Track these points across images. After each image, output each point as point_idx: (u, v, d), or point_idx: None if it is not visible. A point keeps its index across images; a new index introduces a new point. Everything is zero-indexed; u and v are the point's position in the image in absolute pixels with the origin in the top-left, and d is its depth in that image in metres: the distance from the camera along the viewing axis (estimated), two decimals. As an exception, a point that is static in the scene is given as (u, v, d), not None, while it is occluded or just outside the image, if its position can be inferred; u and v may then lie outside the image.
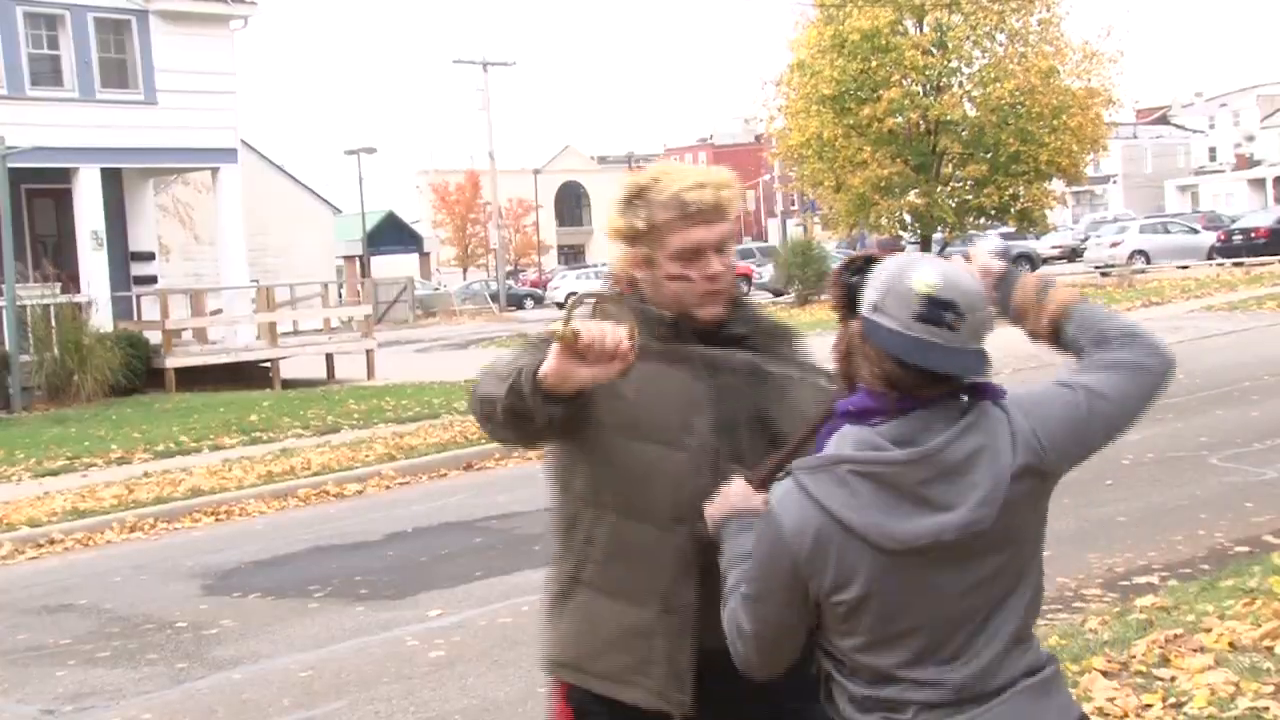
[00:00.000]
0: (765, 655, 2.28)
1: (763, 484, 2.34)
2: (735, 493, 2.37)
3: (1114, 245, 40.15)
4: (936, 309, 2.15)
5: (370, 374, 23.66)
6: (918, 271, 2.17)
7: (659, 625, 2.48)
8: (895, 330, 2.14)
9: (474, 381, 2.56)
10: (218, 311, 25.23)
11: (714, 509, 2.39)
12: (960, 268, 2.28)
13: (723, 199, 2.50)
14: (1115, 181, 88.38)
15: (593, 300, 2.49)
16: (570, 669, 2.60)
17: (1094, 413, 2.28)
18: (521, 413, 2.34)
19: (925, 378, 2.15)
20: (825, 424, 2.28)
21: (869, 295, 2.19)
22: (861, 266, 2.26)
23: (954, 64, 33.00)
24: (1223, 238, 38.94)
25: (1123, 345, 2.35)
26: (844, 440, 2.19)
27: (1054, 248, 49.36)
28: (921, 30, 32.68)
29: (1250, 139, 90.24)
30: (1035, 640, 2.30)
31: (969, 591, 2.19)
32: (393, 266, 64.41)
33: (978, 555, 2.18)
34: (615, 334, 2.25)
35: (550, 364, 2.26)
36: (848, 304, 2.26)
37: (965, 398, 2.21)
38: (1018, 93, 31.52)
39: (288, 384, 23.36)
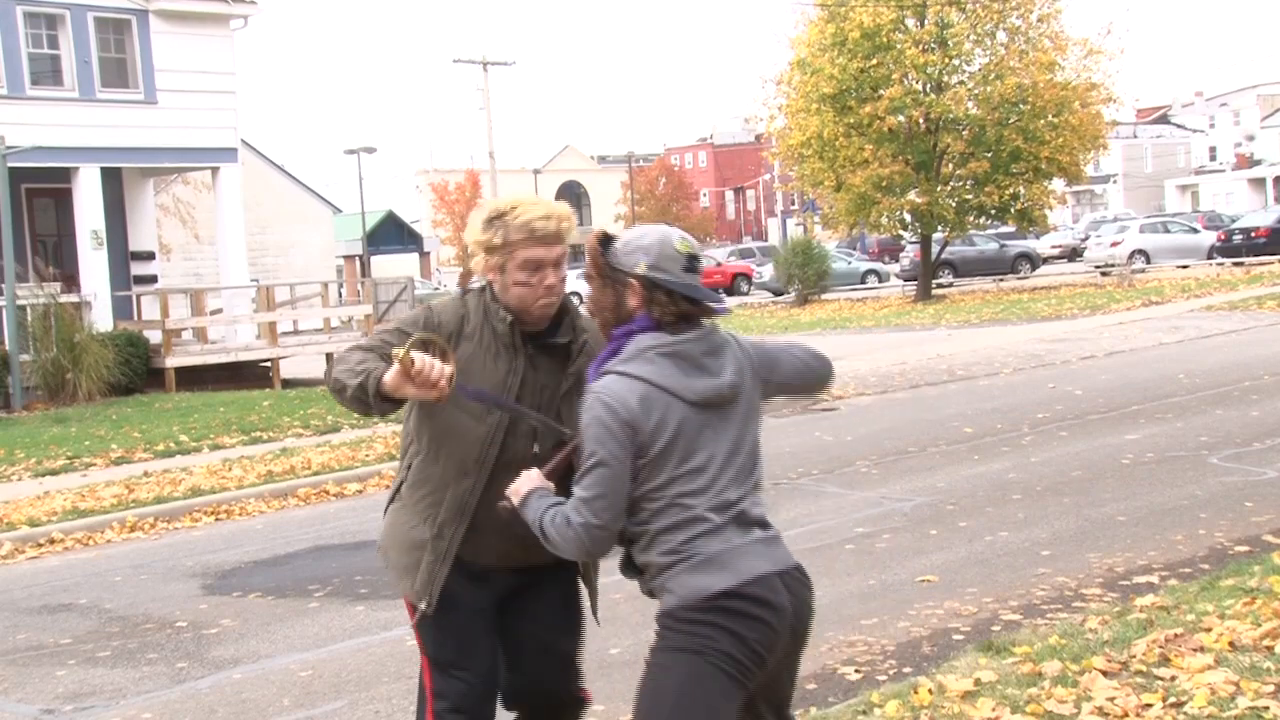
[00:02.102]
0: (598, 541, 3.11)
1: (550, 475, 3.25)
2: (532, 477, 3.26)
3: (1114, 245, 40.18)
4: (693, 262, 3.20)
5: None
6: (674, 238, 3.19)
7: (430, 545, 3.47)
8: (676, 280, 3.14)
9: (337, 359, 3.39)
10: (218, 311, 25.24)
11: (516, 487, 3.24)
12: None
13: (562, 228, 3.40)
14: (1115, 181, 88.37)
15: (431, 340, 3.24)
16: (382, 553, 3.65)
17: (781, 358, 3.42)
18: (364, 401, 3.23)
19: (697, 307, 3.18)
20: (610, 342, 3.18)
21: (643, 259, 3.14)
22: (606, 240, 3.21)
23: (955, 62, 32.97)
24: (1223, 237, 38.96)
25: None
26: (643, 340, 3.14)
27: (1054, 247, 49.39)
28: (923, 27, 32.64)
29: (1250, 138, 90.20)
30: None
31: (735, 438, 3.23)
32: (393, 266, 64.41)
33: (737, 410, 3.24)
34: (440, 371, 3.12)
35: (388, 379, 3.13)
36: (604, 267, 3.19)
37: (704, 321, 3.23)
38: (1019, 89, 31.50)
39: (288, 383, 23.36)
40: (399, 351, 3.06)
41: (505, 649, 3.65)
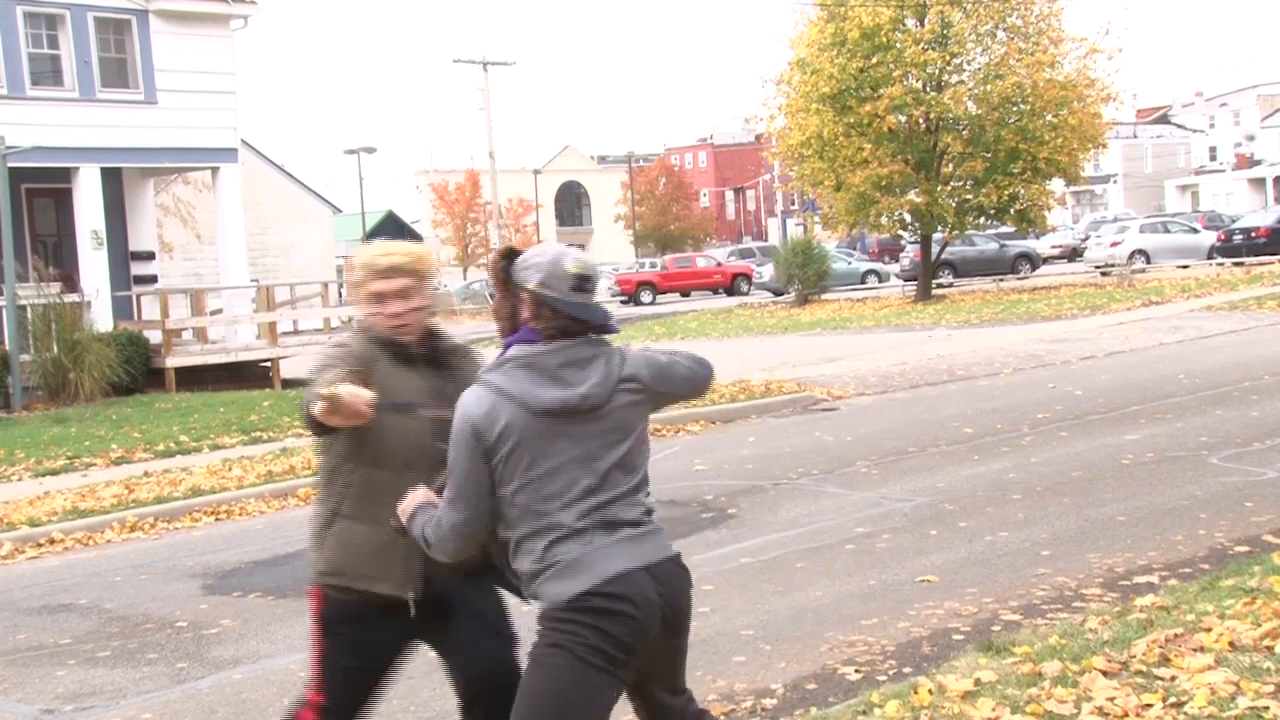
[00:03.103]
0: (463, 538, 3.43)
1: (438, 492, 3.56)
2: (418, 496, 3.58)
3: (1114, 245, 40.17)
4: (583, 282, 3.38)
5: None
6: (566, 260, 3.40)
7: (398, 541, 3.67)
8: (562, 299, 3.36)
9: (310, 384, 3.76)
10: (218, 311, 25.25)
11: (404, 506, 3.57)
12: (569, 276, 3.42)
13: (397, 264, 3.84)
14: (1115, 181, 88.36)
15: (352, 371, 3.65)
16: (334, 575, 3.83)
17: (673, 368, 3.59)
18: (312, 426, 3.71)
19: (581, 325, 3.39)
20: (505, 345, 3.45)
21: (535, 276, 3.37)
22: (509, 255, 3.48)
23: (955, 61, 32.96)
24: (1223, 237, 38.95)
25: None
26: (510, 352, 3.41)
27: (1054, 247, 49.38)
28: (923, 26, 32.62)
29: (1250, 139, 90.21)
30: (649, 513, 3.49)
31: (590, 448, 3.38)
32: (393, 266, 64.12)
33: (595, 423, 3.40)
34: (362, 399, 3.53)
35: (318, 411, 3.54)
36: (504, 280, 3.45)
37: (593, 335, 3.45)
38: (1018, 89, 31.48)
39: (288, 383, 23.34)
40: (325, 392, 3.50)
41: (452, 643, 3.92)
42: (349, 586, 3.80)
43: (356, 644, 3.85)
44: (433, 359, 3.92)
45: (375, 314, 3.87)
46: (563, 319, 3.38)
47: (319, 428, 3.67)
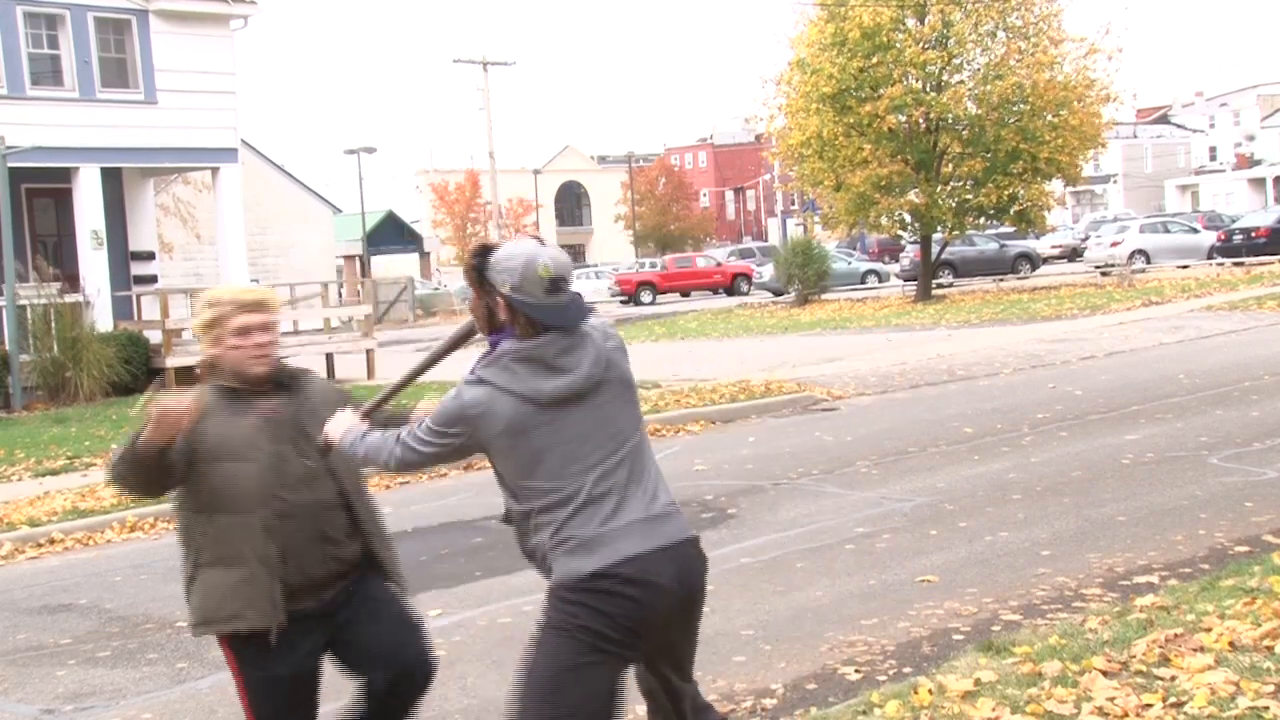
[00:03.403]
0: (406, 470, 3.69)
1: (365, 415, 3.89)
2: (346, 417, 3.87)
3: (1114, 245, 40.17)
4: (557, 284, 3.41)
5: (370, 374, 23.65)
6: (539, 261, 3.40)
7: (256, 574, 3.90)
8: (536, 303, 3.40)
9: (109, 465, 4.01)
10: (218, 311, 25.19)
11: (332, 428, 3.85)
12: (527, 268, 3.43)
13: (262, 299, 4.10)
14: (1115, 181, 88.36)
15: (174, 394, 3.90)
16: (204, 625, 4.02)
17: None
18: (139, 467, 3.85)
19: (553, 329, 3.44)
20: (489, 347, 3.54)
21: (510, 280, 3.41)
22: (483, 252, 3.51)
23: (956, 61, 32.95)
24: (1223, 237, 38.94)
25: None
26: (503, 347, 3.45)
27: (1054, 247, 49.39)
28: (924, 25, 32.61)
29: (1250, 139, 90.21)
30: (668, 496, 3.57)
31: (602, 423, 3.47)
32: (392, 266, 64.40)
33: (603, 396, 3.48)
34: (181, 402, 3.78)
35: (144, 431, 3.76)
36: (479, 279, 3.50)
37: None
38: (1018, 89, 31.48)
39: (288, 384, 23.32)
40: (144, 400, 3.88)
41: (361, 641, 4.10)
42: (221, 632, 3.99)
43: (276, 676, 4.01)
44: (280, 386, 4.13)
45: (236, 347, 4.02)
46: (537, 325, 3.44)
47: (141, 456, 3.81)
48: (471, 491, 11.17)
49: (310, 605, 3.99)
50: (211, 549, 3.97)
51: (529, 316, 3.42)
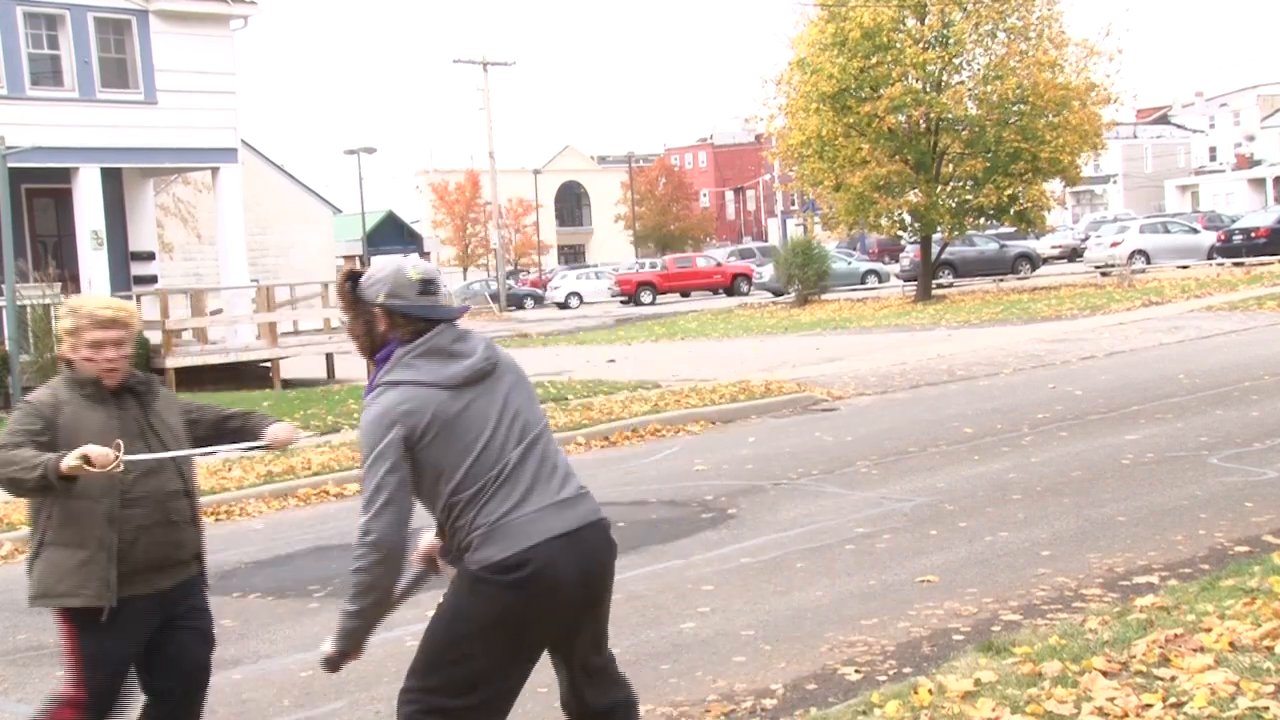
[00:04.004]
0: (396, 526, 3.54)
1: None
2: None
3: (1114, 245, 40.17)
4: (428, 285, 3.66)
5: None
6: (406, 268, 3.68)
7: (95, 557, 4.25)
8: (410, 304, 3.63)
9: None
10: (218, 311, 25.22)
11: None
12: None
13: (117, 316, 4.36)
14: (1115, 181, 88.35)
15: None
16: (42, 598, 4.35)
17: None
18: (47, 487, 4.13)
19: (434, 325, 3.63)
20: (376, 368, 3.66)
21: (381, 289, 3.63)
22: (352, 277, 3.73)
23: (956, 61, 32.94)
24: (1223, 237, 38.93)
25: None
26: (399, 351, 3.61)
27: (1054, 247, 49.39)
28: (924, 24, 32.60)
29: (1250, 139, 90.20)
30: (578, 483, 3.73)
31: (503, 403, 3.64)
32: (393, 266, 63.91)
33: (501, 378, 3.68)
34: (107, 455, 4.04)
35: (66, 466, 4.04)
36: (353, 300, 3.70)
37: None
38: (1019, 89, 31.47)
39: (288, 384, 23.36)
40: (73, 462, 4.03)
41: (169, 645, 4.46)
42: (56, 606, 4.33)
43: (112, 652, 4.34)
44: (131, 394, 4.46)
45: (89, 359, 4.34)
46: (415, 322, 3.64)
47: (59, 485, 4.10)
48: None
49: (148, 591, 4.35)
50: (57, 530, 4.30)
51: (407, 315, 3.63)
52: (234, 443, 4.73)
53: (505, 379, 3.71)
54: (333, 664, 3.80)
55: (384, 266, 3.72)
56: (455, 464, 3.57)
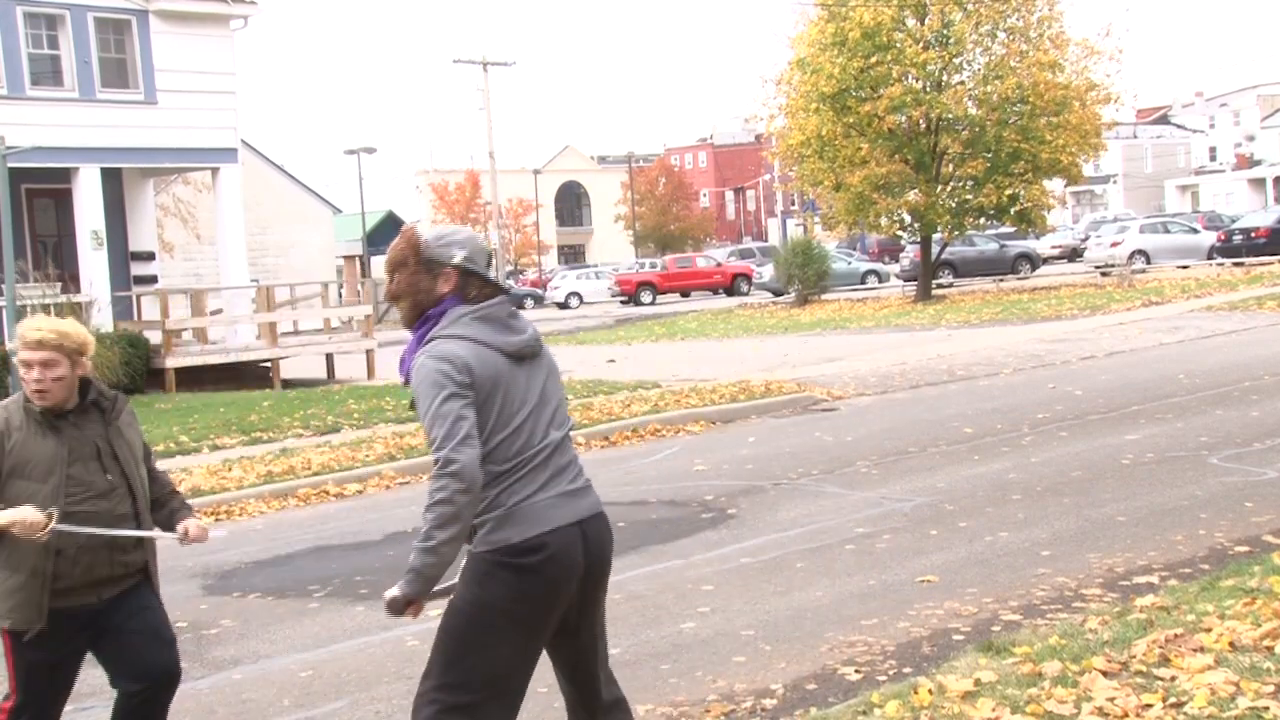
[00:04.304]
0: (476, 463, 3.48)
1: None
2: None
3: (1114, 245, 40.16)
4: (491, 259, 3.97)
5: (370, 374, 23.67)
6: (479, 237, 3.80)
7: (28, 584, 4.31)
8: (484, 271, 3.74)
9: None
10: (218, 311, 25.21)
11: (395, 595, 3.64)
12: None
13: (44, 339, 4.31)
14: (1115, 181, 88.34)
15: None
16: None
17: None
18: None
19: (502, 291, 3.76)
20: (422, 325, 3.71)
21: (460, 252, 3.70)
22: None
23: (956, 60, 32.94)
24: (1223, 237, 38.93)
25: None
26: (457, 310, 3.67)
27: (1054, 247, 49.38)
28: (923, 24, 32.60)
29: (1250, 139, 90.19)
30: (585, 473, 3.81)
31: (543, 387, 3.72)
32: (393, 266, 63.89)
33: (542, 362, 3.77)
34: (35, 525, 4.20)
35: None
36: (421, 258, 3.70)
37: None
38: (1019, 89, 31.47)
39: (288, 384, 23.35)
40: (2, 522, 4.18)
41: (118, 648, 4.49)
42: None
43: (44, 662, 4.41)
44: (96, 409, 4.47)
45: (24, 379, 4.34)
46: (489, 286, 3.74)
47: None
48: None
49: (90, 601, 4.40)
50: (6, 551, 4.34)
51: (485, 280, 3.72)
52: (158, 516, 4.67)
53: (546, 365, 3.80)
54: (397, 607, 3.60)
55: (456, 230, 3.79)
56: (495, 431, 3.58)
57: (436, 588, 3.64)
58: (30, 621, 4.33)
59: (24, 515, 4.20)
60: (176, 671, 4.59)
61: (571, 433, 3.87)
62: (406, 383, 3.67)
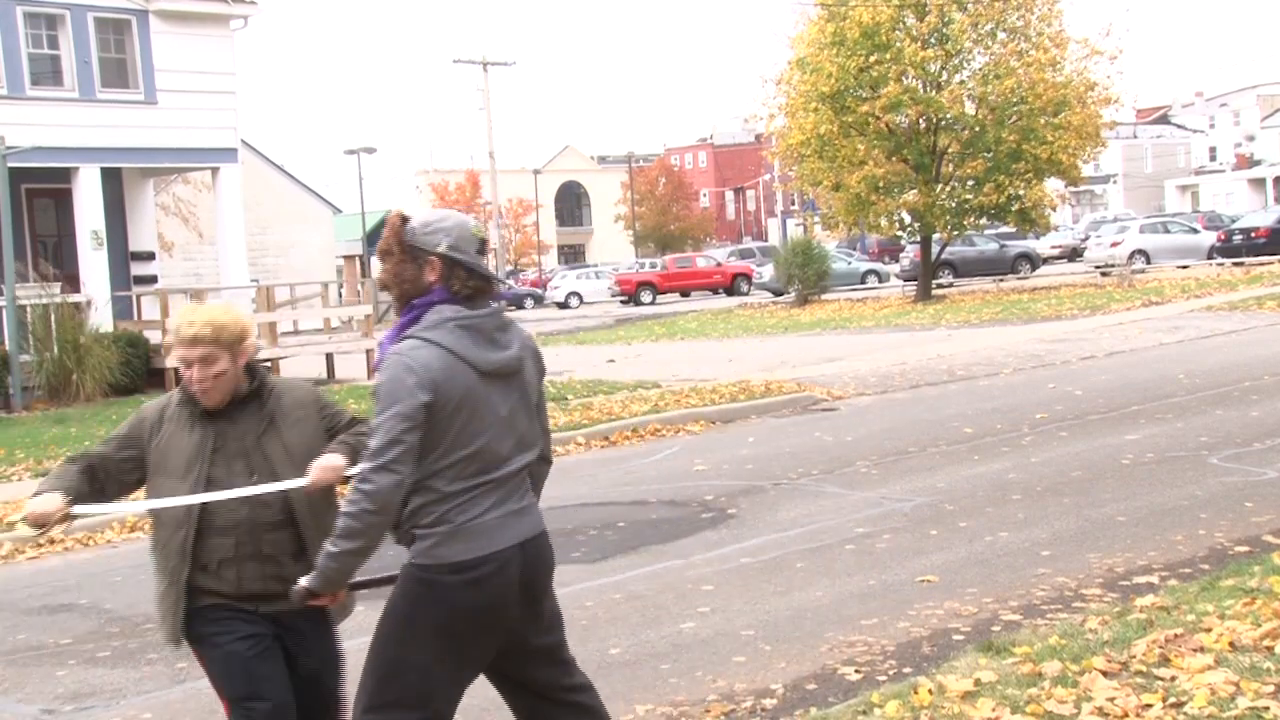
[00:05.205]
0: (396, 487, 3.43)
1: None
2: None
3: (1114, 245, 40.16)
4: (483, 245, 3.68)
5: (371, 374, 23.63)
6: (470, 222, 3.69)
7: (168, 592, 4.10)
8: (472, 260, 3.60)
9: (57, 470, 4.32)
10: (218, 311, 25.16)
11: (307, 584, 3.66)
12: None
13: (198, 334, 3.94)
14: (1115, 181, 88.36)
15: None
16: (153, 621, 4.46)
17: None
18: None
19: (490, 283, 3.65)
20: (407, 311, 3.61)
21: (446, 239, 3.59)
22: (405, 220, 3.68)
23: (955, 60, 32.93)
24: (1223, 237, 38.94)
25: None
26: (444, 311, 3.55)
27: (1054, 247, 49.39)
28: (923, 22, 32.58)
29: (1250, 139, 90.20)
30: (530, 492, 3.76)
31: (513, 405, 3.64)
32: (393, 266, 63.96)
33: (518, 380, 3.67)
34: (46, 517, 4.04)
35: (27, 513, 4.09)
36: (405, 244, 3.62)
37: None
38: (1019, 88, 31.46)
39: (288, 384, 23.27)
40: (21, 516, 4.05)
41: (293, 669, 4.16)
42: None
43: (229, 650, 4.10)
44: (256, 401, 4.07)
45: (184, 374, 4.03)
46: (477, 278, 3.61)
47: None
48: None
49: (251, 606, 4.04)
50: (152, 549, 4.23)
51: (469, 270, 3.59)
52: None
53: (521, 385, 3.70)
54: (301, 598, 3.67)
55: (446, 216, 3.67)
56: (453, 449, 3.52)
57: (365, 578, 3.75)
58: (172, 637, 4.11)
59: (34, 505, 3.94)
60: (339, 696, 4.31)
61: (538, 450, 3.80)
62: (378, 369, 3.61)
